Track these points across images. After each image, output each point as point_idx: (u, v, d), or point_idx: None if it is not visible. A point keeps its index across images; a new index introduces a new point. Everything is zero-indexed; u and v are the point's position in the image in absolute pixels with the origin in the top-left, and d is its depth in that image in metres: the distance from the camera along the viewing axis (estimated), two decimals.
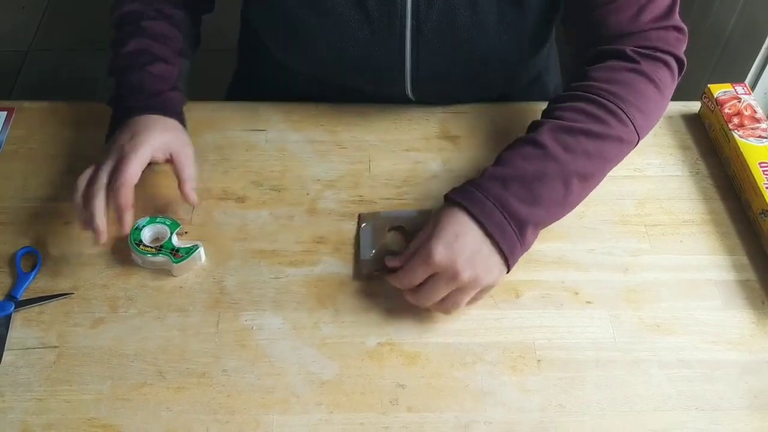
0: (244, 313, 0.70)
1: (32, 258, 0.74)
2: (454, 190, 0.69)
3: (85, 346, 0.68)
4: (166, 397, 0.65)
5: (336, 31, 0.76)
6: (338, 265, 0.74)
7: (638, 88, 0.72)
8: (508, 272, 0.67)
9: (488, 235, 0.65)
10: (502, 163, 0.69)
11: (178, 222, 0.75)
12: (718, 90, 0.86)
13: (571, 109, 0.71)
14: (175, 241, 0.73)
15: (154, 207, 0.78)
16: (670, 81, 0.75)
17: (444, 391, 0.66)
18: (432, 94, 0.86)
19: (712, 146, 0.86)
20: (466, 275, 0.63)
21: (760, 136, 0.81)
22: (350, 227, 0.77)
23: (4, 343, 0.68)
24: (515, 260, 0.67)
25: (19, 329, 0.69)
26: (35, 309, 0.70)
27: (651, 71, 0.73)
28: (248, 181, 0.81)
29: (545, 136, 0.68)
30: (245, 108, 0.89)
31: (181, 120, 0.78)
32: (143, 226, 0.74)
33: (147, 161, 0.70)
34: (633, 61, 0.73)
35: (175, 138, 0.74)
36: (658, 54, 0.74)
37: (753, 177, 0.77)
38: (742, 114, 0.83)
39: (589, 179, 0.70)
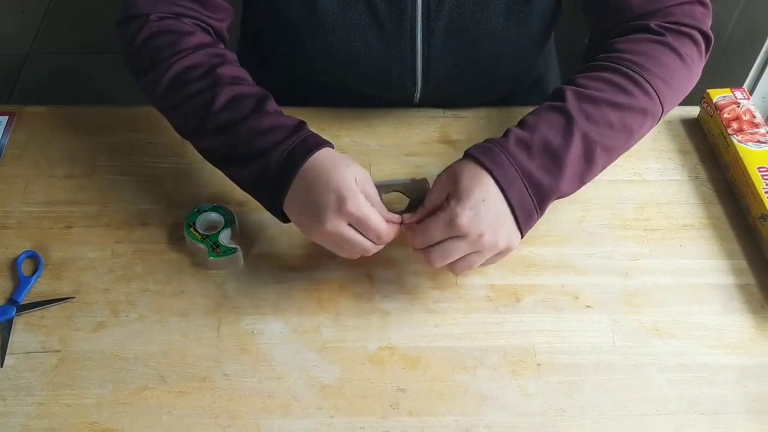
0: (245, 317, 0.70)
1: (33, 262, 0.74)
2: (478, 148, 0.66)
3: (86, 350, 0.68)
4: (167, 401, 0.65)
5: (347, 36, 0.77)
6: (339, 270, 0.74)
7: (663, 59, 0.71)
8: (521, 238, 0.66)
9: (509, 202, 0.64)
10: (528, 128, 0.67)
11: (235, 222, 0.75)
12: (717, 95, 0.86)
13: (595, 78, 0.70)
14: (222, 237, 0.73)
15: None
16: (697, 56, 0.74)
17: (444, 395, 0.66)
18: (439, 97, 0.87)
19: (711, 151, 0.86)
20: (488, 240, 0.63)
21: (758, 141, 0.81)
22: None
23: (6, 347, 0.68)
24: (528, 229, 0.66)
25: (21, 333, 0.69)
26: (37, 313, 0.70)
27: (677, 44, 0.72)
28: None
29: (570, 105, 0.67)
30: None
31: (328, 143, 0.69)
32: (204, 211, 0.75)
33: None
34: (658, 33, 0.72)
35: (353, 169, 0.65)
36: (683, 28, 0.73)
37: (752, 181, 0.77)
38: (741, 119, 0.84)
39: (612, 151, 0.69)
